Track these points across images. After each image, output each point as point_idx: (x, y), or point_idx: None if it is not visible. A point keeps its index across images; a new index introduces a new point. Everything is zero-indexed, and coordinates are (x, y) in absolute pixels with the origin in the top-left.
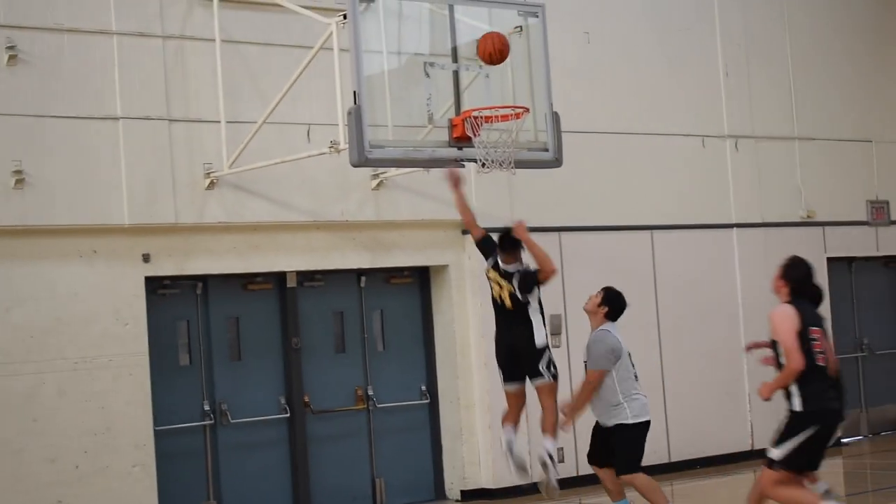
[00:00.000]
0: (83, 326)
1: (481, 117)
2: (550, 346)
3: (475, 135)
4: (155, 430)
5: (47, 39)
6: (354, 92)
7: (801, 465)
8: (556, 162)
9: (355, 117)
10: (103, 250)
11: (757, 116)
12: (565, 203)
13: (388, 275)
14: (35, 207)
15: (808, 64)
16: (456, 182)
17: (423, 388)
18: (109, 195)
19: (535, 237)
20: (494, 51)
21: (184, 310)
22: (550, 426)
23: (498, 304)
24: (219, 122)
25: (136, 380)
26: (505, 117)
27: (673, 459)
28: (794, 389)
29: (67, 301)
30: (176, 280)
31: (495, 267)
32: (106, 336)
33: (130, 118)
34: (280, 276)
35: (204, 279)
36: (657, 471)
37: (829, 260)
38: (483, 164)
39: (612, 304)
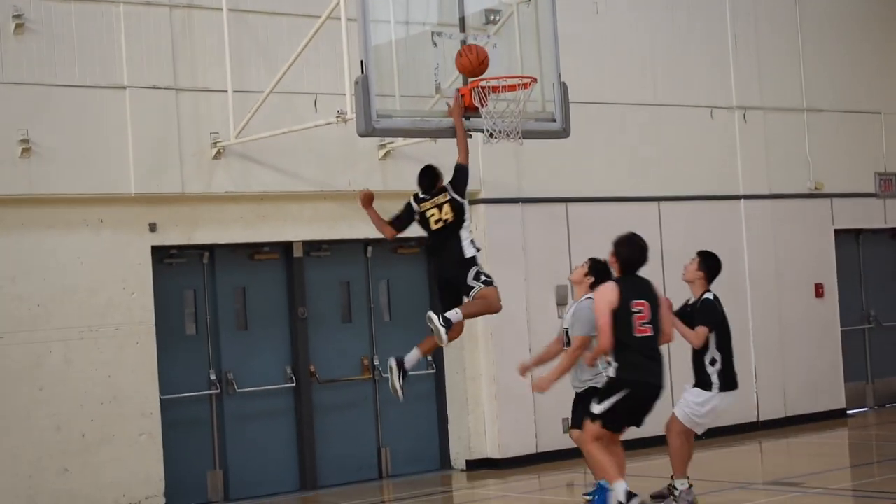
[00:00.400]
0: (89, 295)
1: (489, 87)
2: (479, 261)
3: (482, 105)
4: (161, 398)
5: (54, 8)
6: (362, 61)
7: (616, 424)
8: (564, 132)
9: (362, 87)
10: (110, 219)
11: (766, 87)
12: (572, 174)
13: (395, 245)
14: (42, 176)
15: (817, 35)
16: (367, 201)
17: (430, 358)
18: (116, 164)
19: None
20: (473, 64)
21: (190, 279)
22: (465, 308)
23: (432, 232)
24: (226, 91)
25: (142, 349)
26: (512, 87)
27: None
28: (611, 358)
29: (74, 270)
30: (183, 249)
31: (421, 200)
32: (112, 305)
33: (137, 87)
34: (287, 246)
35: (211, 249)
36: (662, 441)
37: (837, 232)
38: (490, 135)
39: (599, 275)
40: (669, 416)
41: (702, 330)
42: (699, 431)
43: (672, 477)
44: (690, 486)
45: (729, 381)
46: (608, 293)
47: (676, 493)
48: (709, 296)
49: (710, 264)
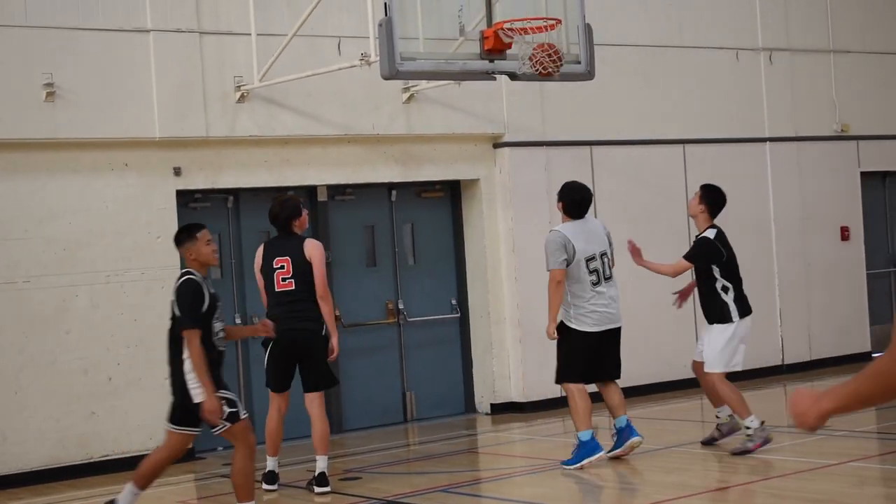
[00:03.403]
0: (115, 239)
1: (513, 29)
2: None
3: (508, 47)
4: None
5: None
6: (385, 3)
7: (269, 382)
8: (589, 74)
9: (386, 29)
10: (135, 163)
11: (792, 29)
12: (597, 116)
13: (419, 188)
14: (66, 120)
15: None
16: None
17: (454, 302)
18: (140, 108)
19: None
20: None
21: (215, 223)
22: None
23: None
24: (250, 34)
25: (168, 293)
26: (538, 29)
27: None
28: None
29: (99, 214)
30: (207, 194)
31: None
32: (138, 249)
33: (161, 31)
34: (311, 190)
35: (235, 193)
36: (691, 384)
37: (863, 174)
38: (515, 77)
39: (567, 197)
40: (696, 366)
41: (681, 263)
42: (739, 368)
43: (730, 417)
44: (762, 422)
45: (745, 307)
46: (257, 256)
47: (750, 432)
48: (708, 233)
49: (712, 198)
